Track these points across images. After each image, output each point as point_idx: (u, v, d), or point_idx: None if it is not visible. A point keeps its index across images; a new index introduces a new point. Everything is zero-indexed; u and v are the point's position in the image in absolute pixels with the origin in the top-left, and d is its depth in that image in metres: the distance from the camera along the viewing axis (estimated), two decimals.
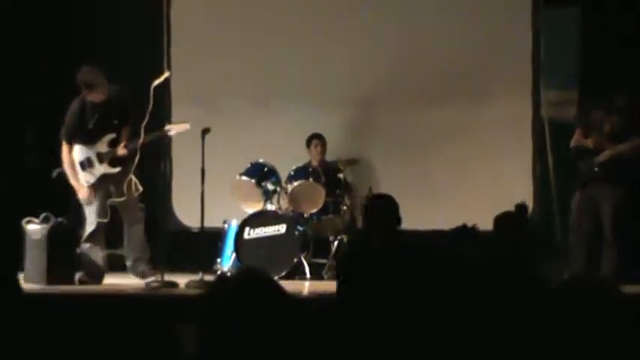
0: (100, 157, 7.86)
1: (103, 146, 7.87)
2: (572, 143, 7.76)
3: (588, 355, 2.38)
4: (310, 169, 8.72)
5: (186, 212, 8.95)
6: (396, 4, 9.28)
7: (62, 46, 9.40)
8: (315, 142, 9.01)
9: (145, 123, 7.67)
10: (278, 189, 8.56)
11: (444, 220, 7.99)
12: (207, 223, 7.92)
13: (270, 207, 8.50)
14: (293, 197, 8.53)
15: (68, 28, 9.56)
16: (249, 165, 8.52)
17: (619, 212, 7.49)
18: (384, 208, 5.18)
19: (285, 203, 8.61)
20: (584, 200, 7.63)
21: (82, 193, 7.84)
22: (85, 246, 7.86)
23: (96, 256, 7.88)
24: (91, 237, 7.88)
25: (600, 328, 2.42)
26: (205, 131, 7.82)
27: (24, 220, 7.89)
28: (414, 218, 7.97)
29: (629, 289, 5.31)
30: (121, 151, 7.83)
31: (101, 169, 7.86)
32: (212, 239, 8.28)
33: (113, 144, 7.86)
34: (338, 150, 9.14)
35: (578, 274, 6.81)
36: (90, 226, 7.87)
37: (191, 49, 9.35)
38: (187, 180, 8.48)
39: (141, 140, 7.75)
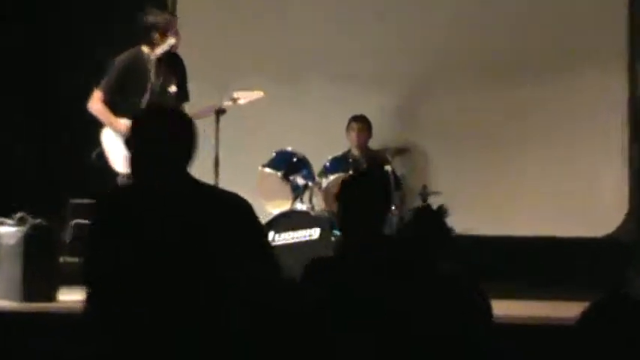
0: None
1: None
2: None
3: None
4: (350, 160, 8.39)
5: None
6: None
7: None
8: (356, 125, 8.54)
9: (147, 97, 7.51)
10: (310, 184, 8.21)
11: (511, 220, 8.75)
12: None
13: (301, 206, 8.17)
14: (329, 194, 8.01)
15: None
16: (274, 154, 8.13)
17: None
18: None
19: (319, 202, 8.28)
20: None
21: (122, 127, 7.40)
22: None
23: None
24: None
25: None
26: (220, 113, 7.59)
27: None
28: (472, 215, 8.44)
29: None
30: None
31: None
32: None
33: None
34: (385, 137, 8.85)
35: None
36: None
37: (202, 14, 9.17)
38: (198, 172, 7.79)
39: (200, 112, 7.45)
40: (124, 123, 7.30)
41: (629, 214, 8.62)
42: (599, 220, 8.62)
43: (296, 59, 9.10)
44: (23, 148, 9.56)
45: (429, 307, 3.76)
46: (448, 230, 4.39)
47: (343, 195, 4.03)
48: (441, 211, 5.12)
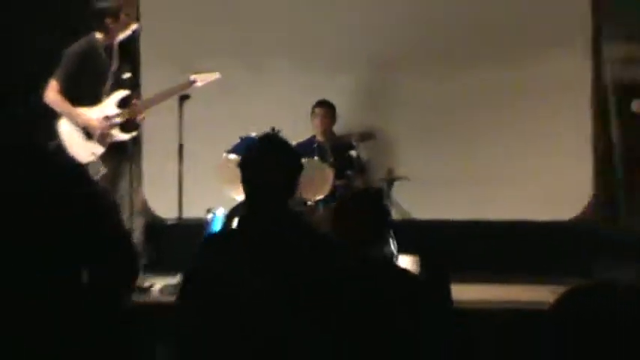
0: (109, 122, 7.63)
1: (112, 107, 7.59)
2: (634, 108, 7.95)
3: None
4: (315, 145, 8.35)
5: (160, 200, 8.64)
6: None
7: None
8: (319, 111, 8.53)
9: (105, 87, 7.48)
10: None
11: (476, 204, 8.76)
12: (187, 213, 7.90)
13: None
14: None
15: None
16: (238, 140, 8.02)
17: None
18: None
19: None
20: None
21: (90, 121, 7.42)
22: None
23: None
24: None
25: None
26: (183, 99, 7.62)
27: None
28: (436, 200, 8.77)
29: None
30: (141, 109, 7.64)
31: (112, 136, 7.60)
32: (193, 233, 7.67)
33: (123, 104, 7.59)
34: (350, 122, 8.79)
35: None
36: None
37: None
38: (161, 160, 8.27)
39: (157, 96, 7.60)
40: (82, 113, 7.36)
41: (593, 197, 8.65)
42: (565, 203, 8.62)
43: (259, 44, 9.03)
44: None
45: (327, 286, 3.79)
46: (385, 213, 4.33)
47: (246, 172, 4.04)
48: (378, 194, 5.22)
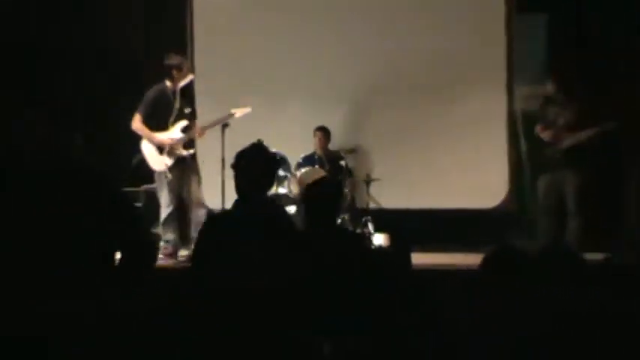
0: (175, 143, 7.69)
1: (177, 132, 7.69)
2: (537, 130, 7.89)
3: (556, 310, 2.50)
4: (316, 158, 8.69)
5: (211, 196, 8.41)
6: (388, 14, 9.16)
7: (97, 51, 9.20)
8: (319, 133, 8.88)
9: (172, 118, 7.61)
10: (288, 175, 8.53)
11: (429, 197, 8.77)
12: (228, 205, 7.12)
13: (282, 190, 8.46)
14: (301, 182, 8.44)
15: (104, 32, 9.30)
16: None
17: (580, 191, 7.61)
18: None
19: (294, 187, 8.54)
20: (549, 182, 7.75)
21: (163, 141, 7.62)
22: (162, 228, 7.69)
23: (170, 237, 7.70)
24: (166, 221, 7.70)
25: (568, 287, 2.59)
26: (225, 126, 7.75)
27: None
28: (401, 195, 8.75)
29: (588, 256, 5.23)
30: (199, 133, 7.71)
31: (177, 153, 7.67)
32: None
33: (185, 130, 7.69)
34: (340, 140, 9.08)
35: (548, 245, 6.52)
36: (166, 209, 7.71)
37: (211, 56, 9.21)
38: (211, 169, 8.27)
39: (208, 125, 7.67)
40: (157, 136, 7.58)
41: (509, 192, 8.83)
42: (488, 195, 8.77)
43: (275, 84, 9.12)
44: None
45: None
46: (274, 165, 4.32)
47: (238, 166, 4.06)
48: (338, 185, 5.30)
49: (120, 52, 9.07)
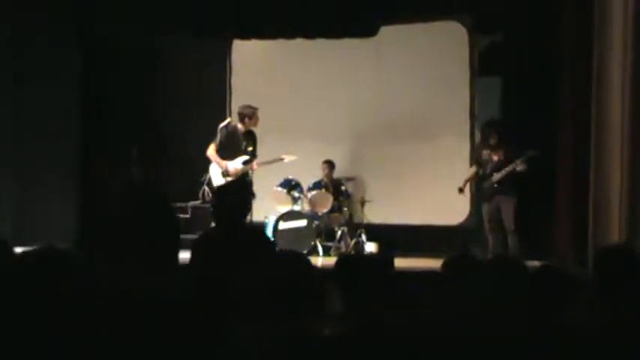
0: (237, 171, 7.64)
1: (239, 163, 7.68)
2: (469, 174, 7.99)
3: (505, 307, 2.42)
4: (322, 183, 8.70)
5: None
6: (380, 74, 9.14)
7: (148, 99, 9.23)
8: (325, 165, 8.89)
9: (237, 152, 7.68)
10: (301, 196, 8.55)
11: (409, 215, 8.77)
12: (255, 218, 8.04)
13: (296, 208, 8.47)
14: (311, 201, 8.52)
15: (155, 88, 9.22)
16: (282, 180, 8.50)
17: (514, 213, 7.60)
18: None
19: (305, 205, 8.56)
20: (490, 207, 7.75)
21: (228, 168, 7.59)
22: None
23: None
24: None
25: (512, 289, 2.49)
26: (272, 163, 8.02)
27: None
28: (388, 213, 8.73)
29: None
30: (255, 167, 7.70)
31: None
32: (259, 227, 8.07)
33: (245, 163, 7.70)
34: (341, 169, 9.06)
35: (497, 254, 6.87)
36: None
37: (244, 102, 8.87)
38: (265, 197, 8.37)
39: (260, 162, 7.68)
40: (223, 162, 7.63)
41: (470, 212, 8.68)
42: (454, 214, 8.70)
43: (292, 125, 9.16)
44: (138, 171, 8.64)
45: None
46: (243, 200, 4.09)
47: (218, 201, 3.87)
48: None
49: (178, 102, 9.14)
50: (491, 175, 7.74)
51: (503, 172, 7.64)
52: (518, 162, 7.54)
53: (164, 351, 1.71)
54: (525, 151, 7.51)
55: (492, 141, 7.74)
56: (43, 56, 8.15)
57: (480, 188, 7.93)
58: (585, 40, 6.38)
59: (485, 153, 7.83)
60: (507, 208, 7.61)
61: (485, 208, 7.80)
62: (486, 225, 7.77)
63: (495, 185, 7.71)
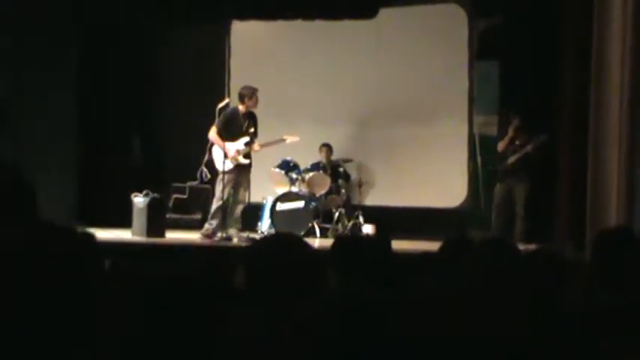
0: (238, 152, 7.63)
1: (241, 144, 7.64)
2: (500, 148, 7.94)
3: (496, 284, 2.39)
4: (321, 165, 8.65)
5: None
6: (379, 58, 9.06)
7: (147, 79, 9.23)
8: (324, 148, 8.87)
9: (239, 134, 7.59)
10: (299, 177, 8.44)
11: (407, 198, 8.75)
12: (253, 199, 7.88)
13: (294, 189, 8.35)
14: (309, 183, 8.42)
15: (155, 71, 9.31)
16: (280, 161, 8.41)
17: (527, 196, 7.66)
18: None
19: (303, 187, 8.44)
20: (503, 189, 7.82)
21: (230, 154, 7.54)
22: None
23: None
24: (215, 210, 7.61)
25: (503, 270, 2.46)
26: (274, 144, 7.93)
27: (132, 194, 7.76)
28: (386, 195, 8.79)
29: (525, 246, 5.50)
30: (257, 148, 7.65)
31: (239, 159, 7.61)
32: (255, 210, 8.15)
33: (246, 144, 7.65)
34: (339, 152, 8.99)
35: (489, 236, 6.84)
36: (218, 201, 7.60)
37: (243, 84, 8.91)
38: (258, 176, 8.27)
39: (262, 143, 7.62)
40: (225, 145, 7.50)
41: (467, 195, 8.76)
42: (452, 197, 8.76)
43: (291, 108, 9.12)
44: (142, 158, 9.05)
45: None
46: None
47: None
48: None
49: (177, 83, 9.11)
50: (508, 156, 7.82)
51: (518, 155, 7.73)
52: (529, 146, 7.66)
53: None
54: (538, 135, 7.60)
55: (513, 125, 7.80)
56: (42, 39, 8.07)
57: (490, 171, 8.05)
58: (586, 22, 6.36)
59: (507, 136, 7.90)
60: (519, 193, 7.69)
61: (498, 189, 7.86)
62: (494, 207, 7.81)
63: (510, 167, 7.77)
